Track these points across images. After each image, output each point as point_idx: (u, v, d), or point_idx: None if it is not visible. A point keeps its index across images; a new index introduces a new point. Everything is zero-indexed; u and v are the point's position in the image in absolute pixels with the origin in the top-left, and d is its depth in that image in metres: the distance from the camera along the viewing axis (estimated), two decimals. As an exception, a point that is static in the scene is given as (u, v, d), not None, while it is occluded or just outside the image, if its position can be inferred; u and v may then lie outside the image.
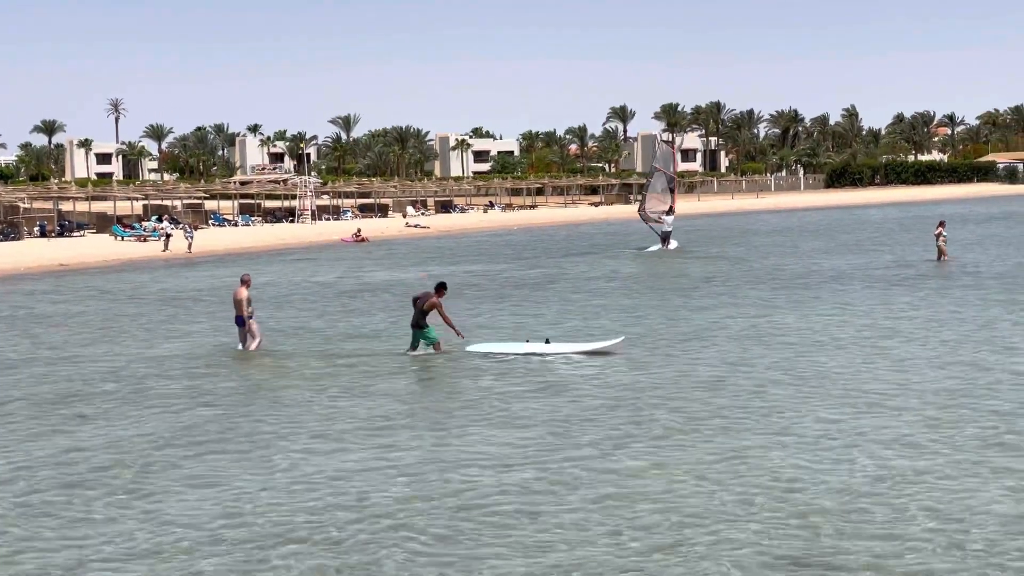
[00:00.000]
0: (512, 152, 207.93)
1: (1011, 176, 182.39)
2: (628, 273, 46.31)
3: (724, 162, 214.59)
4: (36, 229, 78.09)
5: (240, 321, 25.22)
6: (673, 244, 60.20)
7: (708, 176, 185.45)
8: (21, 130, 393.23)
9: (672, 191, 63.29)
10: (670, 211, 61.63)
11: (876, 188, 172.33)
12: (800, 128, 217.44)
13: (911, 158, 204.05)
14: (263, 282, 43.30)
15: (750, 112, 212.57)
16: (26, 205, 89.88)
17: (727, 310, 31.56)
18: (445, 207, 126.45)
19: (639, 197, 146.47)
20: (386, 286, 42.64)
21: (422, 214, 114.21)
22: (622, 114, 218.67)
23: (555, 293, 38.36)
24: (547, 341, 24.28)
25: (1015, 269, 42.30)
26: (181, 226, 67.67)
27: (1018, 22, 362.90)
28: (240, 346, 25.50)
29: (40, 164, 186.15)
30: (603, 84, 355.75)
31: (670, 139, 65.84)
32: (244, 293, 24.84)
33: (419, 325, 23.86)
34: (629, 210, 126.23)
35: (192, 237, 66.78)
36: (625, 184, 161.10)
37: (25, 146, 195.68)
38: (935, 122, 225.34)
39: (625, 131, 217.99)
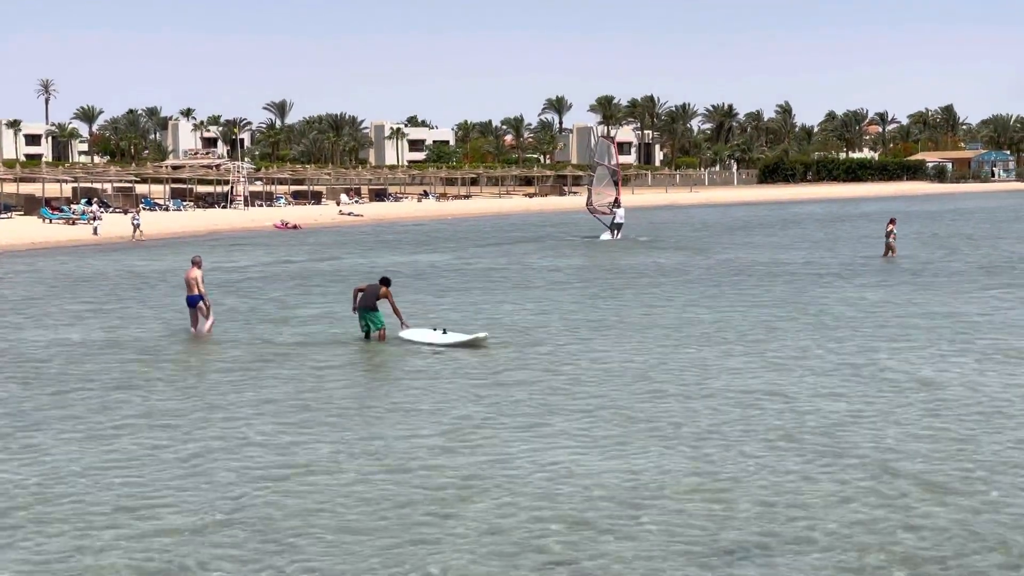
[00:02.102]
0: (447, 142, 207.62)
1: (940, 175, 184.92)
2: (549, 265, 46.44)
3: (659, 156, 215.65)
4: (-38, 210, 76.86)
5: (192, 302, 25.48)
6: (605, 236, 61.50)
7: (642, 170, 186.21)
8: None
9: (616, 183, 64.67)
10: (616, 203, 63.07)
11: (808, 184, 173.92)
12: (734, 123, 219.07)
13: (843, 155, 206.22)
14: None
15: (684, 106, 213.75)
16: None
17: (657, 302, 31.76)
18: (379, 195, 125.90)
19: (574, 190, 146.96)
20: (317, 273, 42.47)
21: (356, 202, 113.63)
22: (558, 105, 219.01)
23: (484, 282, 38.40)
24: (444, 331, 24.57)
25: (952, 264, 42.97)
26: (130, 214, 66.63)
27: (947, 25, 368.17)
28: (192, 328, 25.71)
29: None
30: (539, 75, 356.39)
31: (608, 133, 66.40)
32: (196, 273, 25.24)
33: (372, 307, 24.29)
34: (563, 202, 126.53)
35: (139, 222, 65.75)
36: (560, 176, 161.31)
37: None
38: (867, 120, 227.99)
39: (561, 123, 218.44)
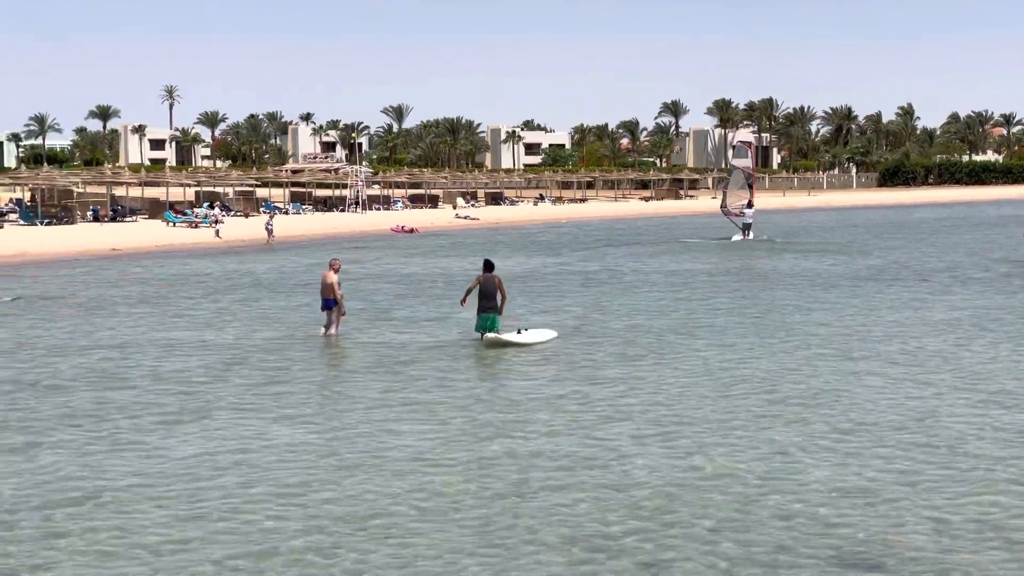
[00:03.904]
0: (563, 145, 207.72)
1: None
2: (671, 269, 46.02)
3: (776, 159, 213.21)
4: (89, 213, 78.64)
5: (328, 305, 25.76)
6: (737, 237, 63.86)
7: (760, 172, 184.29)
8: (77, 115, 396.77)
9: (750, 186, 67.14)
10: (749, 204, 65.56)
11: (929, 188, 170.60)
12: (854, 126, 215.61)
13: (966, 158, 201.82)
14: (319, 270, 43.39)
15: (803, 109, 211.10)
16: (80, 190, 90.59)
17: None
18: (495, 199, 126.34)
19: (690, 193, 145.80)
20: (433, 276, 42.65)
21: (472, 205, 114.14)
22: (674, 109, 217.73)
23: (595, 286, 38.18)
24: (519, 331, 24.92)
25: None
26: (266, 221, 67.63)
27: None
28: (323, 330, 26.00)
29: (95, 149, 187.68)
30: (656, 79, 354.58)
31: (749, 140, 67.91)
32: (333, 277, 25.44)
33: (493, 307, 24.36)
34: (680, 205, 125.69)
35: (272, 227, 66.58)
36: (676, 179, 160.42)
37: (80, 131, 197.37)
38: (991, 122, 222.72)
39: (677, 126, 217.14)
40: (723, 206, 67.67)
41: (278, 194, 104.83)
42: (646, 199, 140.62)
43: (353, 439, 16.20)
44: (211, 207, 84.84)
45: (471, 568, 11.11)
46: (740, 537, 11.90)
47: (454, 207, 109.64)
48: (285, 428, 16.92)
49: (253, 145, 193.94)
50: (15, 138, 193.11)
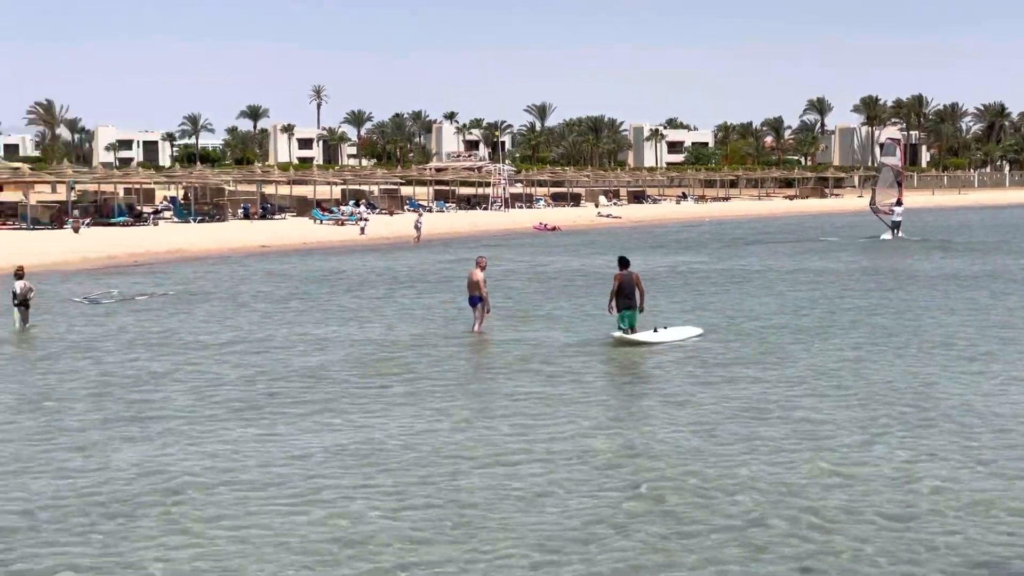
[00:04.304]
0: (706, 143, 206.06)
1: None
2: (821, 268, 45.35)
3: (925, 157, 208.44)
4: (240, 211, 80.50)
5: (474, 301, 26.02)
6: (886, 235, 63.37)
7: (908, 171, 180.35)
8: (228, 115, 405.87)
9: (900, 184, 67.28)
10: (898, 203, 65.20)
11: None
12: (1007, 123, 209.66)
13: None
14: (463, 268, 43.83)
15: (953, 106, 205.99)
16: (231, 188, 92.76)
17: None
18: (638, 197, 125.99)
19: (835, 192, 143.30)
20: (575, 274, 42.72)
21: (614, 204, 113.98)
22: (819, 106, 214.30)
23: (735, 285, 37.82)
24: (655, 329, 24.98)
25: None
26: (415, 220, 68.62)
27: None
28: (475, 327, 26.23)
29: (245, 148, 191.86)
30: (800, 76, 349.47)
31: (897, 137, 66.37)
32: (479, 275, 25.69)
33: (633, 305, 24.37)
34: (825, 204, 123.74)
35: (421, 225, 67.42)
36: (821, 178, 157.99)
37: (232, 131, 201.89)
38: None
39: (822, 124, 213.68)
40: (872, 204, 67.40)
41: (422, 192, 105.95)
42: (790, 198, 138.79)
43: (494, 435, 16.34)
44: (357, 205, 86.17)
45: (599, 558, 11.16)
46: (888, 547, 11.74)
47: (596, 205, 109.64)
48: (427, 423, 17.12)
49: (398, 144, 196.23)
50: (170, 138, 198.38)
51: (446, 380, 20.67)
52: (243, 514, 12.71)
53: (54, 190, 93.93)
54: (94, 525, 12.40)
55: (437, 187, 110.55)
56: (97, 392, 19.67)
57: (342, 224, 75.36)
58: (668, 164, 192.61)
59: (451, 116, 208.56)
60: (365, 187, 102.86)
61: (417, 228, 66.59)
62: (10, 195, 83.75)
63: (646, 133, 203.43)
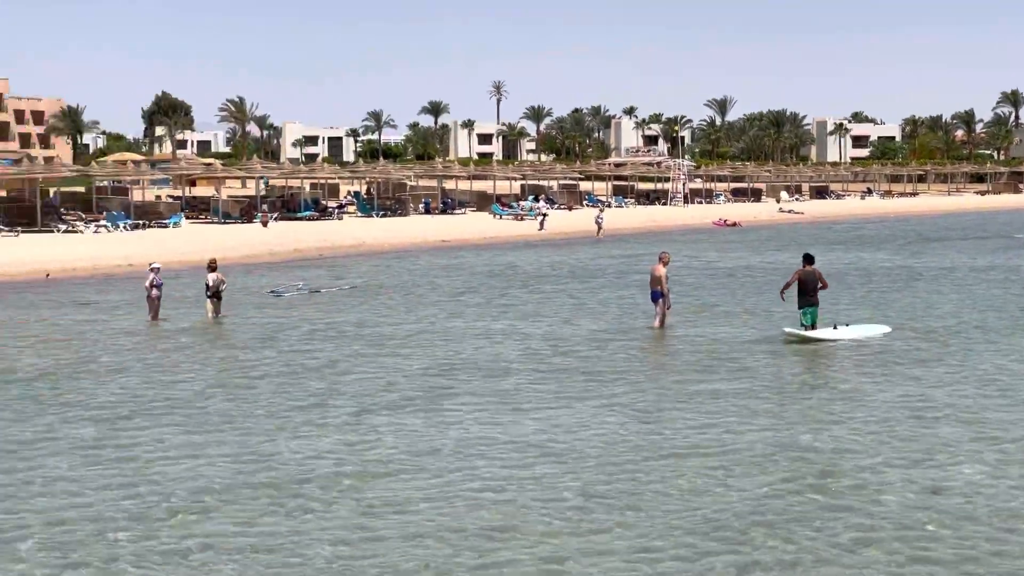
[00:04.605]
0: (893, 137, 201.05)
1: None
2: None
3: None
4: (421, 206, 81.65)
5: (656, 297, 25.93)
6: None
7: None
8: (410, 111, 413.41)
9: None
10: None
11: None
12: None
13: None
14: (640, 263, 43.71)
15: None
16: (412, 183, 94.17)
17: None
18: (820, 193, 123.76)
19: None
20: (756, 270, 42.19)
21: (796, 199, 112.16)
22: (1013, 99, 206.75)
23: (912, 284, 36.81)
24: (835, 326, 24.63)
25: None
26: (596, 215, 68.70)
27: None
28: (656, 322, 26.12)
29: (426, 144, 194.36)
30: (994, 67, 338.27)
31: None
32: (662, 270, 25.60)
33: (815, 302, 24.14)
34: (1018, 200, 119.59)
35: (603, 220, 67.50)
36: (1015, 172, 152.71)
37: (413, 126, 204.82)
38: None
39: (1016, 117, 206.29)
40: None
41: (601, 188, 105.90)
42: (981, 193, 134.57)
43: (673, 430, 16.27)
44: (536, 200, 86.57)
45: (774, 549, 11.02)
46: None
47: (777, 201, 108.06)
48: (605, 417, 17.13)
49: (577, 139, 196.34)
50: (353, 134, 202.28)
51: (623, 375, 20.62)
52: (419, 502, 12.92)
53: (244, 185, 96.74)
54: (272, 507, 12.77)
55: (616, 182, 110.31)
56: (280, 380, 20.21)
57: (521, 219, 75.80)
58: (852, 159, 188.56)
59: (630, 111, 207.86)
60: (544, 182, 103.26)
61: (599, 223, 66.63)
62: (203, 190, 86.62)
63: (830, 127, 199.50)
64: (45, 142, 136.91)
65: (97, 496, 13.23)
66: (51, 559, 11.24)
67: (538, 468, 14.34)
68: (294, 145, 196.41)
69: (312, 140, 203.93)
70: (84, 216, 62.97)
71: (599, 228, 66.15)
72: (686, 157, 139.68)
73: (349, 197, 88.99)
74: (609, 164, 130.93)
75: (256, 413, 17.55)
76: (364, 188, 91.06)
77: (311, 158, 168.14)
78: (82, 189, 76.87)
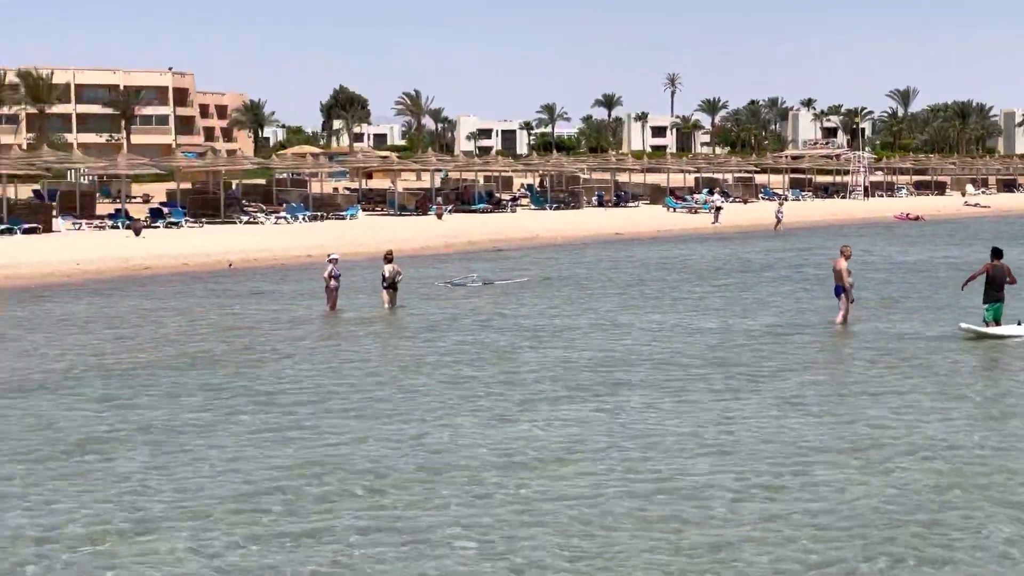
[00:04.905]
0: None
1: None
2: None
3: None
4: (594, 199, 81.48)
5: (838, 291, 25.51)
6: None
7: None
8: (583, 104, 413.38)
9: None
10: None
11: None
12: None
13: None
14: (821, 256, 42.82)
15: None
16: (586, 176, 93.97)
17: None
18: (1008, 186, 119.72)
19: None
20: (940, 266, 40.95)
21: (982, 192, 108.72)
22: None
23: None
24: (1020, 323, 23.60)
25: None
26: (776, 208, 67.62)
27: None
28: (839, 316, 25.64)
29: (599, 136, 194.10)
30: None
31: None
32: (843, 264, 25.13)
33: (1001, 298, 23.48)
34: None
35: (783, 215, 66.50)
36: None
37: (587, 119, 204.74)
38: None
39: None
40: None
41: (777, 180, 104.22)
42: None
43: (847, 425, 15.87)
44: (710, 193, 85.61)
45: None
46: None
47: (962, 194, 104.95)
48: (779, 412, 16.82)
49: (752, 131, 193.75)
50: (527, 127, 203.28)
51: (801, 369, 20.26)
52: (592, 495, 12.79)
53: (419, 178, 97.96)
54: (442, 492, 12.80)
55: (793, 175, 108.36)
56: (452, 369, 20.39)
57: (695, 212, 75.10)
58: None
59: (808, 103, 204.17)
60: (719, 175, 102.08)
61: (778, 217, 65.56)
62: (379, 182, 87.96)
63: (1018, 118, 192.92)
64: (228, 135, 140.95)
65: (278, 474, 13.48)
66: (237, 534, 11.46)
67: (709, 461, 14.18)
68: (468, 138, 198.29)
69: (486, 133, 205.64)
70: (264, 208, 64.45)
71: (778, 222, 65.03)
72: (866, 149, 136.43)
73: (522, 190, 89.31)
74: (786, 157, 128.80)
75: (429, 401, 17.72)
76: (537, 181, 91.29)
77: (485, 151, 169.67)
78: (263, 181, 78.87)
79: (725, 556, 11.00)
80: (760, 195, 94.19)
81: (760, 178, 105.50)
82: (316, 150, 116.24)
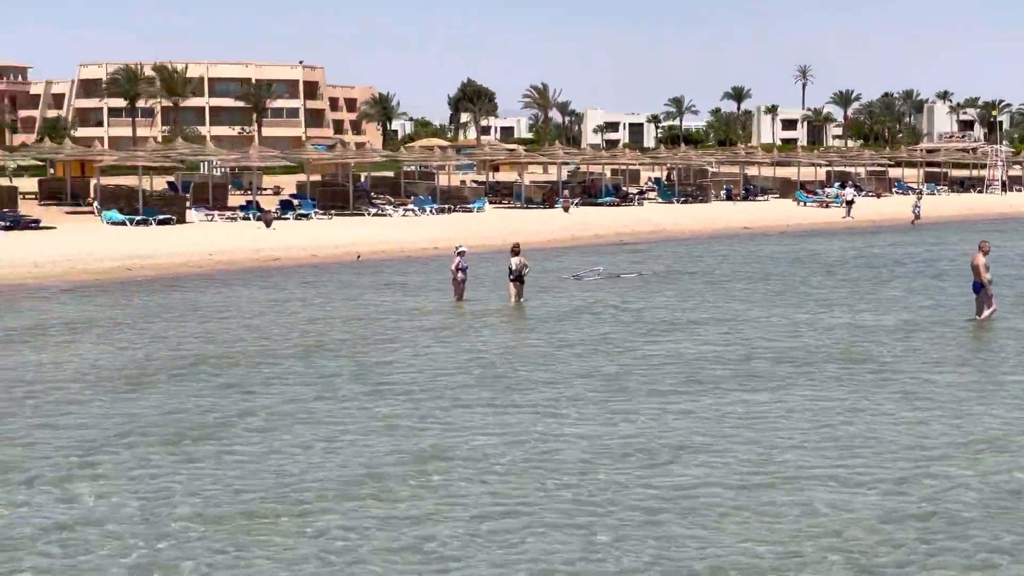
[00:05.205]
0: None
1: None
2: None
3: None
4: (722, 192, 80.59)
5: (977, 288, 24.91)
6: None
7: None
8: (712, 97, 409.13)
9: None
10: None
11: None
12: None
13: None
14: (953, 251, 41.77)
15: None
16: (714, 169, 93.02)
17: None
18: None
19: None
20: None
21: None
22: None
23: None
24: None
25: None
26: (914, 203, 66.15)
27: None
28: (976, 315, 25.07)
29: (728, 129, 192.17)
30: None
31: None
32: (981, 259, 24.55)
33: None
34: None
35: (920, 209, 65.10)
36: None
37: (715, 112, 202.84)
38: None
39: None
40: None
41: (911, 174, 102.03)
42: None
43: (976, 422, 15.42)
44: (842, 187, 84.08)
45: None
46: None
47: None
48: (915, 410, 16.44)
49: (886, 124, 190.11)
50: (654, 120, 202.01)
51: (934, 366, 19.75)
52: (717, 485, 12.61)
53: (546, 171, 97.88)
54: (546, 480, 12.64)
55: (928, 169, 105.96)
56: (572, 363, 20.28)
57: (827, 206, 73.85)
58: None
59: (944, 95, 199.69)
60: (851, 169, 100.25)
61: (915, 211, 64.08)
62: (506, 175, 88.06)
63: None
64: (357, 128, 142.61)
65: (392, 461, 13.54)
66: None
67: (839, 456, 14.01)
68: (595, 131, 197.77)
69: (613, 126, 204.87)
70: (392, 200, 64.93)
71: (915, 216, 63.56)
72: (1004, 143, 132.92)
73: (650, 183, 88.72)
74: (921, 150, 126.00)
75: (547, 393, 17.69)
76: (665, 174, 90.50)
77: (612, 144, 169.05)
78: (391, 174, 79.47)
79: (841, 545, 10.71)
80: (894, 189, 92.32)
81: (894, 172, 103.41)
82: (444, 143, 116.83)
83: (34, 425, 15.86)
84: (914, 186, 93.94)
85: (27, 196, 59.78)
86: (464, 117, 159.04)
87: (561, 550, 11.00)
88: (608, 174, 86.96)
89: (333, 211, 58.62)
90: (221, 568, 10.69)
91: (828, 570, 10.52)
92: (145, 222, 49.75)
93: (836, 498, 12.49)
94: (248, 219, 53.55)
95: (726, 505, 12.25)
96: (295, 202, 59.79)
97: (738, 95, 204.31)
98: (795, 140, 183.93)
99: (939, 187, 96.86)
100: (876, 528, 11.50)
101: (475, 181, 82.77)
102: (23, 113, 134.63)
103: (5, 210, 49.49)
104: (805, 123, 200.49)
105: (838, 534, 11.37)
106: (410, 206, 61.98)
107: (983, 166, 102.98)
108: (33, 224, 47.89)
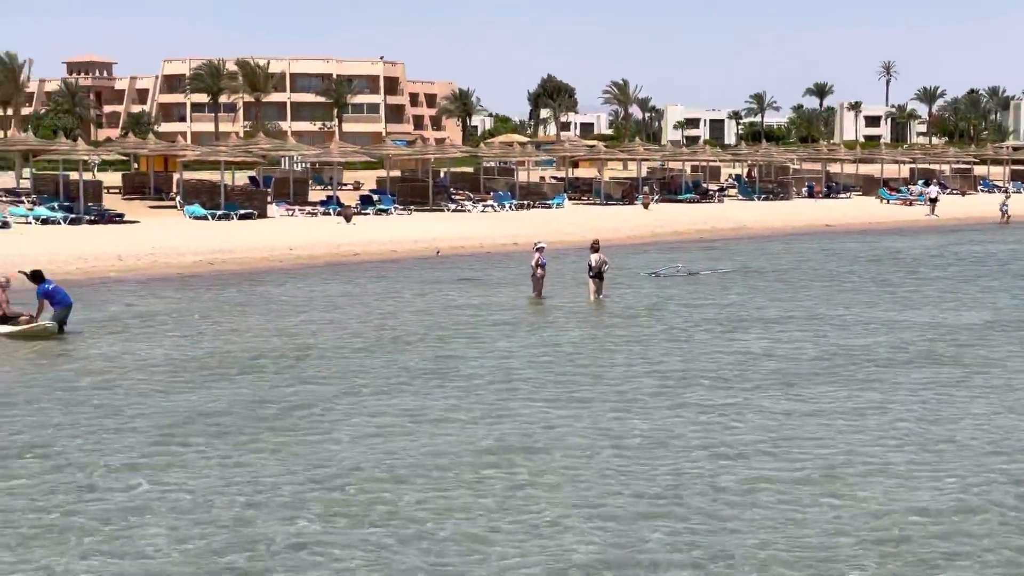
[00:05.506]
0: None
1: None
2: None
3: None
4: (804, 190, 79.76)
5: None
6: None
7: None
8: (794, 93, 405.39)
9: None
10: None
11: None
12: None
13: None
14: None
15: None
16: (796, 166, 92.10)
17: None
18: None
19: None
20: None
21: None
22: None
23: None
24: None
25: None
26: (1001, 202, 65.06)
27: None
28: None
29: (810, 126, 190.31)
30: None
31: None
32: None
33: None
34: None
35: (1007, 208, 64.03)
36: None
37: (797, 108, 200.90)
38: None
39: None
40: None
41: (997, 172, 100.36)
42: None
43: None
44: (927, 184, 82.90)
45: None
46: None
47: None
48: (1000, 411, 16.10)
49: (971, 121, 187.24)
50: (735, 116, 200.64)
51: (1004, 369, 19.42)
52: (798, 483, 12.41)
53: (625, 167, 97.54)
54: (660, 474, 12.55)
55: (1014, 167, 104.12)
56: (650, 362, 20.18)
57: (910, 204, 72.84)
58: None
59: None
60: (935, 166, 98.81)
61: (1003, 210, 62.95)
62: (585, 171, 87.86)
63: None
64: (437, 124, 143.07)
65: (468, 451, 13.53)
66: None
67: (915, 453, 14.01)
68: (675, 127, 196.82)
69: (693, 123, 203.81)
70: (472, 195, 65.01)
71: (1003, 215, 62.39)
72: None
73: (730, 180, 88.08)
74: (1007, 148, 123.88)
75: (626, 390, 17.66)
76: (745, 171, 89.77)
77: (692, 140, 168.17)
78: (470, 169, 79.59)
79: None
80: (979, 187, 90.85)
81: (979, 170, 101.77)
82: (523, 139, 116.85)
83: (110, 412, 16.09)
84: (1000, 184, 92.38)
85: (111, 190, 60.70)
86: (544, 113, 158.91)
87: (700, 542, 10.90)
88: (688, 171, 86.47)
89: (412, 207, 58.81)
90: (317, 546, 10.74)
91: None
92: (227, 217, 50.23)
93: (916, 489, 12.29)
94: (328, 214, 53.87)
95: (807, 498, 12.05)
96: (375, 197, 60.05)
97: (820, 91, 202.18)
98: (878, 137, 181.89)
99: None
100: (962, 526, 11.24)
101: (554, 177, 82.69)
102: (108, 108, 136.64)
103: (90, 204, 50.25)
104: (889, 120, 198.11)
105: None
106: (489, 202, 62.01)
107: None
108: (117, 218, 48.57)
